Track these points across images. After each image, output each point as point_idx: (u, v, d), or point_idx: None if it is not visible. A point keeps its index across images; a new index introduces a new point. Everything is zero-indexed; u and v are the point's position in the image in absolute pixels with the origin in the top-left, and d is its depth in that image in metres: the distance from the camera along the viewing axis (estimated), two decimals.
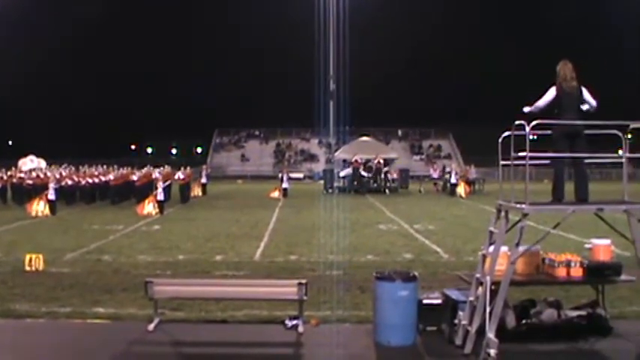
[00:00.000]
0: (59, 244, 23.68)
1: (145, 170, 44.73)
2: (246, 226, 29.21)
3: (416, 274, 11.99)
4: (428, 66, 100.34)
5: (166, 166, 46.37)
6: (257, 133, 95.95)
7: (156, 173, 42.99)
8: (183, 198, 42.18)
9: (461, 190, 47.13)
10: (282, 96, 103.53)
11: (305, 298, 12.25)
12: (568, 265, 11.18)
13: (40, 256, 18.71)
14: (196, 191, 47.75)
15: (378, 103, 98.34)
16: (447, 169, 57.29)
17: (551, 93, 11.25)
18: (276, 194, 47.37)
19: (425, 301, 12.03)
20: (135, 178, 43.08)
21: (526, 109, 11.24)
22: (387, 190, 50.90)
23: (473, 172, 53.68)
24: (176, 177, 44.00)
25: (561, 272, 11.16)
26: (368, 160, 53.25)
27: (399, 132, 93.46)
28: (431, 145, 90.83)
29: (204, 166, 57.49)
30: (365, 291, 14.90)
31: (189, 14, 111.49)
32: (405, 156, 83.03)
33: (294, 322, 12.60)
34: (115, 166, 47.68)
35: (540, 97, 11.31)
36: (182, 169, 44.81)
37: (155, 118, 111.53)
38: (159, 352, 11.43)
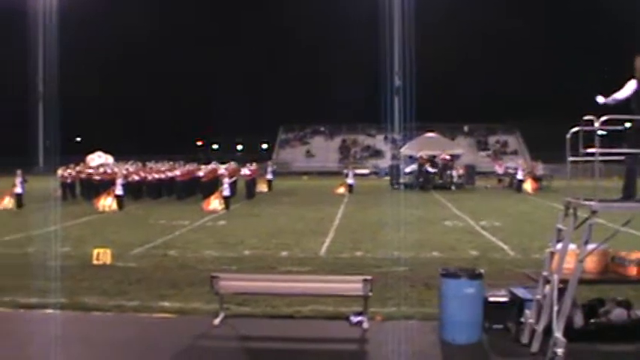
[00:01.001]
0: (126, 238, 24.03)
1: (210, 166, 45.02)
2: (311, 222, 29.26)
3: (482, 271, 11.85)
4: (495, 60, 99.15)
5: (232, 162, 46.64)
6: (322, 129, 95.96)
7: (222, 169, 43.27)
8: (248, 194, 42.42)
9: (527, 186, 46.53)
10: (348, 92, 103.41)
11: (370, 294, 12.20)
12: (639, 264, 10.89)
13: (108, 251, 19.01)
14: (262, 187, 47.97)
15: (444, 99, 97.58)
16: (512, 166, 56.60)
17: (631, 86, 10.84)
18: (341, 190, 47.31)
19: (491, 299, 11.88)
20: (201, 174, 43.41)
21: (600, 100, 10.87)
22: (452, 187, 50.51)
23: (540, 168, 52.96)
24: (242, 173, 44.24)
25: (632, 271, 10.85)
26: (434, 157, 52.89)
27: (465, 128, 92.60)
28: (497, 141, 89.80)
29: (269, 162, 57.82)
30: (430, 288, 14.78)
31: (253, 11, 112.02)
32: (470, 152, 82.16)
33: (359, 318, 12.56)
34: (181, 162, 48.13)
35: (616, 90, 10.94)
36: (248, 165, 45.04)
37: (221, 115, 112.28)
38: (224, 346, 11.50)
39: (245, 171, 44.05)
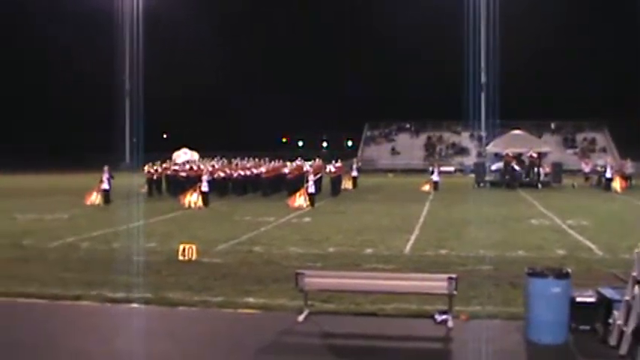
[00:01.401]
0: (212, 234, 24.36)
1: (296, 163, 45.21)
2: (396, 219, 29.21)
3: (569, 270, 11.66)
4: (582, 56, 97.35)
5: (317, 159, 46.79)
6: (407, 126, 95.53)
7: (307, 166, 43.40)
8: (334, 191, 42.47)
9: (616, 184, 45.49)
10: (433, 88, 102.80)
11: (455, 292, 12.14)
12: None
13: (193, 247, 19.28)
14: (347, 184, 48.00)
15: (530, 96, 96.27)
16: (600, 163, 55.41)
17: None
18: (426, 188, 47.08)
19: (578, 299, 11.67)
20: (286, 170, 43.65)
21: None
22: (539, 185, 49.77)
23: (629, 167, 51.71)
24: (327, 170, 44.27)
25: None
26: (520, 154, 52.19)
27: (552, 125, 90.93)
28: (585, 139, 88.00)
29: (354, 159, 57.84)
30: (516, 287, 14.61)
31: (337, 9, 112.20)
32: (557, 150, 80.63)
33: (444, 316, 12.50)
34: (267, 159, 48.58)
35: None
36: (333, 162, 45.05)
37: (306, 112, 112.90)
38: (308, 343, 11.57)
39: (330, 168, 44.05)
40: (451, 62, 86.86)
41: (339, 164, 45.11)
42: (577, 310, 11.53)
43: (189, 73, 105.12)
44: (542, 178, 50.97)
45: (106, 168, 37.96)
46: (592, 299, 11.73)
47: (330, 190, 42.50)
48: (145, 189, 43.40)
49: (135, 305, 14.06)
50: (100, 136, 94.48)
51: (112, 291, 15.04)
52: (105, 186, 37.73)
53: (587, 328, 11.64)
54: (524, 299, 11.82)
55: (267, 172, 44.06)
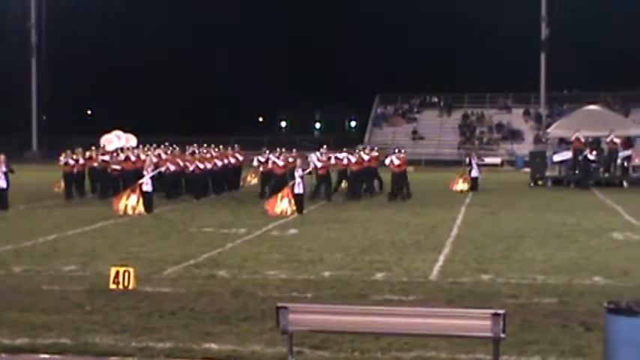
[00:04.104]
0: (157, 253, 24.35)
1: (284, 155, 45.06)
2: (418, 231, 29.24)
3: None
4: None
5: (324, 147, 46.26)
6: (435, 100, 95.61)
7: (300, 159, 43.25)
8: (331, 191, 42.17)
9: None
10: (470, 47, 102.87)
11: (503, 335, 12.07)
12: None
13: (131, 270, 19.19)
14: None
15: (609, 58, 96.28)
16: None
17: None
18: (461, 186, 47.10)
19: None
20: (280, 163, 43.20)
21: None
22: (624, 182, 49.83)
23: None
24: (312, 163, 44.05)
25: None
26: (597, 139, 52.22)
27: None
28: None
29: (359, 146, 57.78)
30: (591, 329, 14.62)
31: None
32: None
33: None
34: (237, 146, 48.54)
35: None
36: (321, 149, 44.65)
37: (291, 83, 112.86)
38: None
39: (314, 160, 43.49)
40: (498, 11, 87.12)
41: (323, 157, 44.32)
42: None
43: (125, 22, 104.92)
44: (629, 173, 51.04)
45: (1, 158, 37.63)
46: None
47: (323, 189, 42.28)
48: (60, 187, 43.25)
49: (44, 357, 13.96)
50: None
51: (11, 336, 14.93)
52: (0, 183, 37.43)
53: None
54: (603, 347, 11.75)
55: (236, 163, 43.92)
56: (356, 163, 42.63)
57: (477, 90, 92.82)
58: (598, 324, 13.06)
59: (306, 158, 43.89)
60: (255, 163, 45.99)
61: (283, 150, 44.02)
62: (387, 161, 42.81)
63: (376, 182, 44.95)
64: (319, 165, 41.73)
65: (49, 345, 14.29)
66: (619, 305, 11.53)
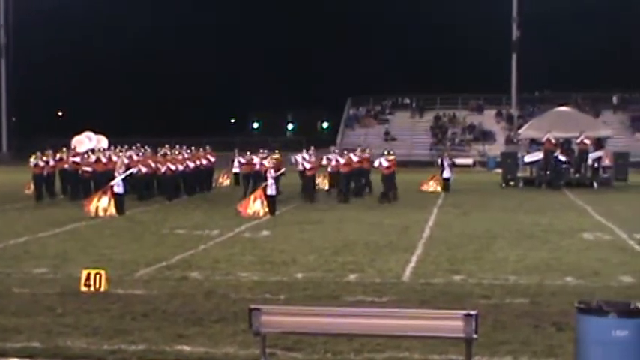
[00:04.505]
0: (129, 255, 24.29)
1: (248, 156, 45.12)
2: (391, 232, 29.26)
3: (639, 306, 11.68)
4: None
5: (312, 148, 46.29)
6: (407, 101, 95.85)
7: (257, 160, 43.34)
8: (305, 191, 42.19)
9: None
10: (443, 48, 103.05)
11: (475, 335, 12.11)
12: None
13: (103, 272, 19.09)
14: (322, 183, 47.80)
15: (582, 58, 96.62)
16: None
17: None
18: (433, 188, 47.24)
19: None
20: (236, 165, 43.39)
21: None
22: (594, 183, 50.06)
23: None
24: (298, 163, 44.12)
25: None
26: (567, 141, 52.42)
27: (614, 99, 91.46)
28: None
29: (332, 148, 57.78)
30: (562, 329, 14.71)
31: None
32: (623, 134, 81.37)
33: None
34: (208, 148, 48.42)
35: None
36: (305, 151, 44.82)
37: (264, 84, 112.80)
38: None
39: (300, 161, 43.60)
40: (470, 12, 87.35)
41: (312, 156, 44.52)
42: None
43: (101, 22, 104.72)
44: (599, 174, 51.26)
45: None
46: None
47: (301, 190, 42.36)
48: (30, 189, 43.11)
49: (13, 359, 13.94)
50: None
51: None
52: None
53: None
54: (574, 346, 11.80)
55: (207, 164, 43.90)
56: (345, 164, 42.72)
57: (449, 91, 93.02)
58: (569, 324, 13.11)
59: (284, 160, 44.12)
60: (235, 164, 45.95)
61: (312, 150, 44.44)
62: (376, 163, 42.91)
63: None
64: (308, 166, 41.88)
65: (20, 348, 14.21)
66: (590, 305, 11.58)
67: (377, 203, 39.92)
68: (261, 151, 45.67)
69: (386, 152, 43.84)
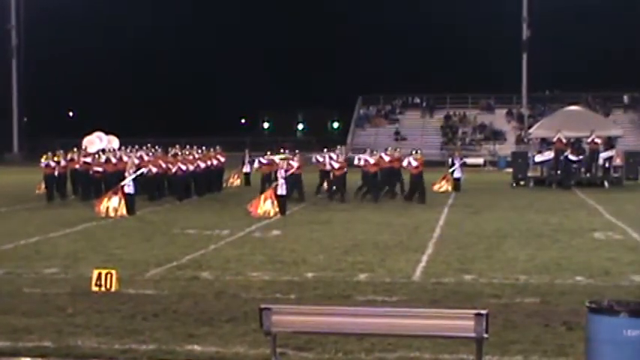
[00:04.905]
0: (139, 255, 24.29)
1: (268, 156, 45.06)
2: (401, 232, 29.24)
3: None
4: None
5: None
6: (418, 101, 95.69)
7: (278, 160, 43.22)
8: (336, 191, 41.93)
9: None
10: (455, 49, 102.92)
11: (485, 335, 12.10)
12: None
13: (113, 272, 19.10)
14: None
15: (593, 56, 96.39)
16: None
17: None
18: (444, 187, 47.13)
19: None
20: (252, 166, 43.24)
21: None
22: (605, 183, 49.94)
23: None
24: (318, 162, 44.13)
25: None
26: (578, 140, 52.31)
27: (625, 98, 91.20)
28: None
29: (342, 148, 57.70)
30: (573, 328, 14.68)
31: None
32: (633, 133, 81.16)
33: None
34: (218, 148, 48.44)
35: None
36: (336, 150, 44.83)
37: (274, 84, 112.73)
38: None
39: (328, 161, 43.43)
40: (481, 12, 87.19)
41: (339, 155, 44.39)
42: None
43: (107, 23, 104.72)
44: (610, 173, 51.13)
45: None
46: None
47: (329, 191, 42.31)
48: (41, 190, 43.11)
49: (25, 359, 13.93)
50: None
51: None
52: None
53: None
54: (585, 346, 11.79)
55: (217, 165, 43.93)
56: (374, 164, 42.60)
57: (460, 91, 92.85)
58: (580, 323, 13.09)
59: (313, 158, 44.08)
60: (256, 164, 46.08)
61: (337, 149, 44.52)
62: (405, 163, 42.63)
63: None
64: (336, 166, 41.86)
65: (31, 348, 14.22)
66: (600, 304, 11.56)
67: (392, 202, 39.84)
68: (281, 150, 45.72)
69: (414, 152, 43.47)
